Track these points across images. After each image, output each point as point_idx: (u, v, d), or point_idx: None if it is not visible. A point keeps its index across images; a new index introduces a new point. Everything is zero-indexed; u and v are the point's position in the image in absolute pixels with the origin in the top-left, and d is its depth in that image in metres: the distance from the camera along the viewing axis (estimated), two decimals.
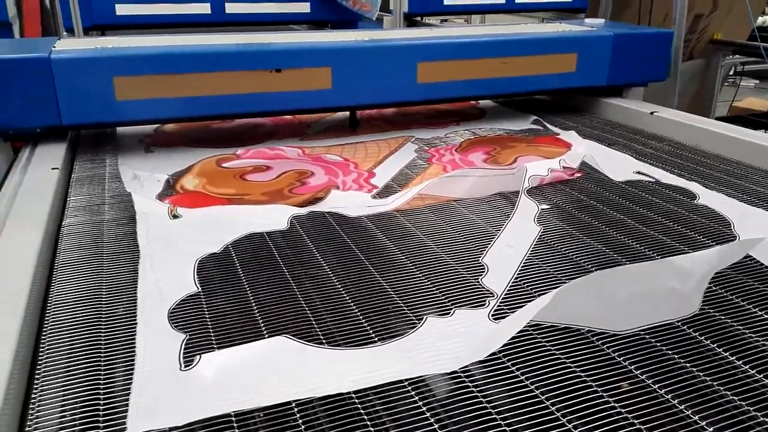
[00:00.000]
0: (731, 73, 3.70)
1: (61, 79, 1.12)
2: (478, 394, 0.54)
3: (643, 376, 0.57)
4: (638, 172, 1.13)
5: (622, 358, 0.59)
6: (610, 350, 0.60)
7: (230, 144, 1.30)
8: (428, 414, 0.52)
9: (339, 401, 0.53)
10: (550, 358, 0.59)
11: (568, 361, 0.59)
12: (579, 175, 1.11)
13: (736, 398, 0.54)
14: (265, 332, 0.63)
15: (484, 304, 0.69)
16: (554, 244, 0.84)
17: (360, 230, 0.88)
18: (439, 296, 0.70)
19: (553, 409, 0.52)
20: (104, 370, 0.57)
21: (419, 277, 0.75)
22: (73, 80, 1.13)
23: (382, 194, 1.03)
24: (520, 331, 0.60)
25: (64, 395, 0.54)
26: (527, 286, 0.73)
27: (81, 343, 0.61)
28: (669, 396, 0.54)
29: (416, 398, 0.54)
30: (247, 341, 0.61)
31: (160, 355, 0.59)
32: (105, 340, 0.61)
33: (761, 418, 0.51)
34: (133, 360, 0.58)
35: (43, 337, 0.62)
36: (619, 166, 1.16)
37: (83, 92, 1.14)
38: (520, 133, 1.42)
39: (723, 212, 0.94)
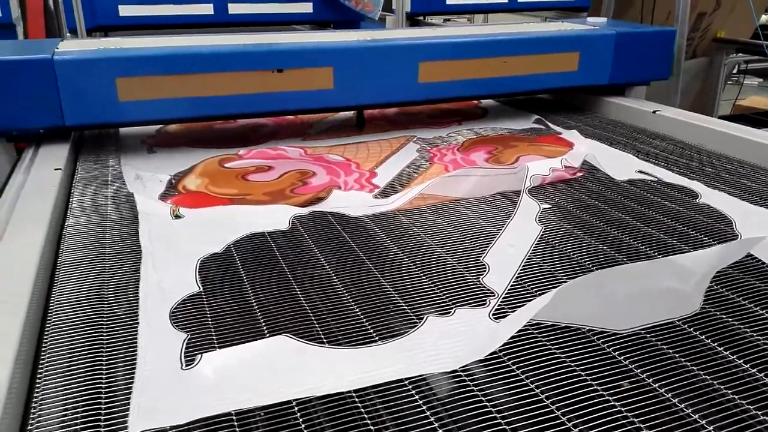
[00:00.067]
0: (735, 71, 3.68)
1: (64, 80, 1.12)
2: (479, 393, 0.54)
3: (644, 375, 0.57)
4: (640, 171, 1.13)
5: (622, 357, 0.59)
6: (611, 349, 0.60)
7: (232, 144, 1.30)
8: (428, 413, 0.52)
9: (339, 400, 0.53)
10: (551, 357, 0.59)
11: (568, 360, 0.59)
12: (581, 174, 1.11)
13: (736, 397, 0.54)
14: (266, 331, 0.63)
15: (484, 304, 0.69)
16: (556, 243, 0.84)
17: (361, 230, 0.88)
18: (439, 296, 0.71)
19: (554, 407, 0.52)
20: (106, 369, 0.57)
21: (420, 276, 0.75)
22: (76, 81, 1.13)
23: (383, 194, 1.04)
24: (520, 330, 0.60)
25: (65, 394, 0.54)
26: (528, 286, 0.73)
27: (83, 342, 0.61)
28: (669, 395, 0.54)
29: (417, 397, 0.54)
30: (249, 340, 0.61)
31: (161, 354, 0.59)
32: (106, 339, 0.62)
33: (762, 417, 0.51)
34: (134, 359, 0.58)
35: (45, 337, 0.62)
36: (621, 165, 1.15)
37: (86, 93, 1.15)
38: (522, 132, 1.42)
39: (725, 211, 0.94)
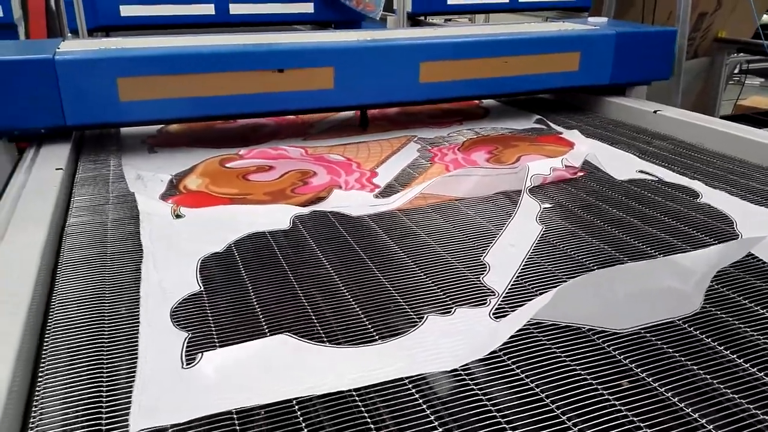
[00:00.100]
0: (736, 71, 3.68)
1: (65, 80, 1.13)
2: (479, 392, 0.54)
3: (644, 374, 0.57)
4: (641, 171, 1.13)
5: (622, 356, 0.59)
6: (611, 348, 0.60)
7: (233, 144, 1.31)
8: (429, 412, 0.52)
9: (340, 399, 0.53)
10: (551, 357, 0.59)
11: (568, 359, 0.59)
12: (582, 173, 1.11)
13: (736, 396, 0.54)
14: (266, 330, 0.63)
15: (485, 303, 0.69)
16: (556, 242, 0.84)
17: (362, 229, 0.89)
18: (440, 295, 0.71)
19: (554, 406, 0.52)
20: (107, 368, 0.57)
21: (421, 275, 0.75)
22: (77, 81, 1.14)
23: (384, 194, 1.04)
24: (520, 330, 0.60)
25: (66, 393, 0.54)
26: (529, 285, 0.73)
27: (84, 341, 0.61)
28: (669, 394, 0.54)
29: (417, 396, 0.54)
30: (249, 340, 0.61)
31: (162, 353, 0.59)
32: (107, 338, 0.62)
33: (761, 416, 0.51)
34: (135, 358, 0.59)
35: (46, 336, 0.62)
36: (622, 164, 1.15)
37: (87, 93, 1.15)
38: (523, 132, 1.42)
39: (726, 210, 0.94)
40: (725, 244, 0.77)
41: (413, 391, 0.55)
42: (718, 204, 0.97)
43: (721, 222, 0.90)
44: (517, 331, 0.60)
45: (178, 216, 0.92)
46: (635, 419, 0.51)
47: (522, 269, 0.76)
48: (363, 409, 0.52)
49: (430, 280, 0.74)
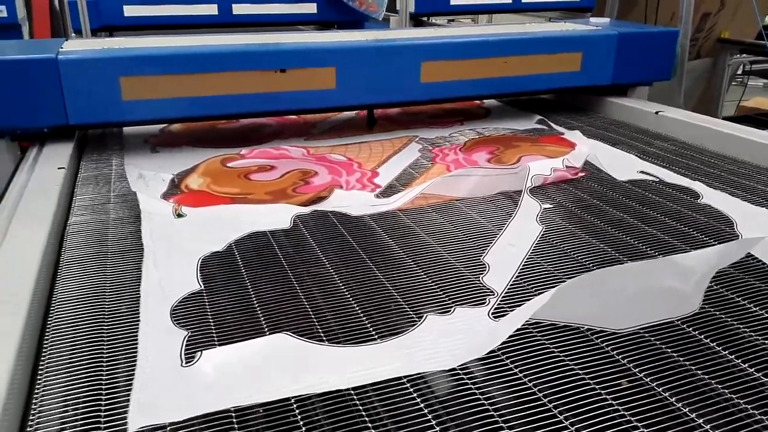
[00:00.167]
0: (739, 72, 3.67)
1: (67, 80, 1.13)
2: (477, 392, 0.54)
3: (642, 375, 0.57)
4: (642, 172, 1.13)
5: (621, 357, 0.59)
6: (610, 348, 0.60)
7: (235, 144, 1.31)
8: (426, 411, 0.52)
9: (338, 398, 0.54)
10: (549, 356, 0.59)
11: (567, 359, 0.59)
12: (583, 174, 1.11)
13: (734, 396, 0.54)
14: (266, 329, 0.63)
15: (484, 303, 0.69)
16: (556, 242, 0.84)
17: (362, 229, 0.89)
18: (440, 294, 0.71)
19: (551, 406, 0.52)
20: (106, 366, 0.58)
21: (421, 275, 0.75)
22: (79, 80, 1.14)
23: (385, 193, 1.04)
24: (519, 329, 0.60)
25: (66, 391, 0.54)
26: (528, 285, 0.73)
27: (84, 339, 0.62)
28: (667, 394, 0.54)
29: (415, 396, 0.54)
30: (249, 338, 0.61)
31: (161, 351, 0.59)
32: (107, 336, 0.62)
33: (759, 416, 0.51)
34: (135, 357, 0.59)
35: (46, 334, 0.62)
36: (623, 165, 1.15)
37: (90, 92, 1.15)
38: (525, 132, 1.42)
39: (726, 211, 0.94)
40: (725, 245, 0.77)
41: (411, 390, 0.55)
42: (718, 205, 0.96)
43: (722, 223, 0.90)
44: (516, 331, 0.60)
45: (179, 215, 0.92)
46: (633, 419, 0.51)
47: (522, 269, 0.76)
48: (361, 408, 0.53)
49: (429, 279, 0.74)
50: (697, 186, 1.05)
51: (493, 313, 0.67)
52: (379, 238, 0.86)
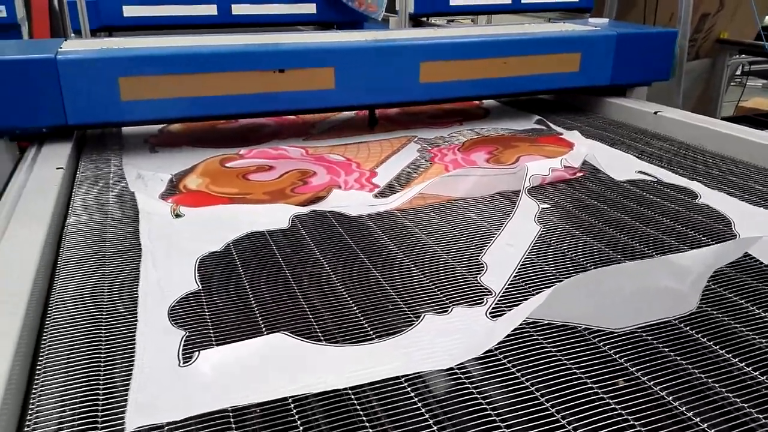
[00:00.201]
0: (738, 72, 3.68)
1: (66, 80, 1.13)
2: (474, 391, 0.54)
3: (640, 374, 0.57)
4: (640, 172, 1.13)
5: (618, 356, 0.59)
6: (607, 348, 0.60)
7: (234, 144, 1.31)
8: (424, 410, 0.52)
9: (335, 398, 0.54)
10: (547, 356, 0.59)
11: (564, 358, 0.59)
12: (581, 174, 1.11)
13: (731, 395, 0.54)
14: (263, 329, 0.63)
15: (482, 302, 0.69)
16: (554, 242, 0.84)
17: (361, 229, 0.89)
18: (437, 294, 0.71)
19: (548, 405, 0.53)
20: (104, 366, 0.58)
21: (418, 275, 0.75)
22: (78, 80, 1.14)
23: (383, 193, 1.04)
24: (516, 329, 0.60)
25: (63, 390, 0.54)
26: (526, 285, 0.73)
27: (82, 339, 0.62)
28: (665, 393, 0.54)
29: (413, 395, 0.54)
30: (246, 338, 0.61)
31: (159, 351, 0.59)
32: (105, 336, 0.62)
33: (755, 415, 0.52)
34: (132, 356, 0.59)
35: (44, 333, 0.63)
36: (622, 165, 1.16)
37: (89, 92, 1.15)
38: (524, 132, 1.42)
39: (724, 211, 0.94)
40: (722, 244, 0.77)
41: (409, 389, 0.55)
42: (716, 205, 0.97)
43: (720, 223, 0.90)
44: (514, 330, 0.60)
45: (177, 215, 0.92)
46: (630, 418, 0.51)
47: (519, 269, 0.77)
48: (358, 407, 0.53)
49: (427, 279, 0.74)
50: (695, 186, 1.05)
51: (490, 313, 0.67)
52: (377, 238, 0.86)
